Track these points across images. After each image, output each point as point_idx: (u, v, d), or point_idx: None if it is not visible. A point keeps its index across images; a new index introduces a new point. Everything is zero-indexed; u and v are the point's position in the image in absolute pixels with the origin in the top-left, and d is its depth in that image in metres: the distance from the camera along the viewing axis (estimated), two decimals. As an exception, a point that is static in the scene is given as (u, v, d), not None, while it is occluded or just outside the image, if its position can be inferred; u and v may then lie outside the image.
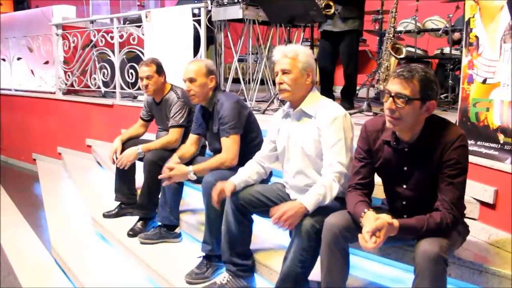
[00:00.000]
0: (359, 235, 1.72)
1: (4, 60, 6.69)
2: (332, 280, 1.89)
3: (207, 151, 3.29)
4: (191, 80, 2.70)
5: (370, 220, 1.71)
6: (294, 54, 2.18)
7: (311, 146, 2.17)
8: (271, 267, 2.35)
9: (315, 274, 2.02)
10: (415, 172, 1.85)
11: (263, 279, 2.41)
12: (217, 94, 2.75)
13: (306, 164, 2.21)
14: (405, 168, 1.87)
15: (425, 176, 1.82)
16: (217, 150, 2.76)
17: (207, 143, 3.00)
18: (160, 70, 3.25)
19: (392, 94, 1.73)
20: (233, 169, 2.52)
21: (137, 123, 3.55)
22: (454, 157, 1.73)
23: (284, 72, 2.18)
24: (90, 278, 2.81)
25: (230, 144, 2.60)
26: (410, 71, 1.72)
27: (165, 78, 3.30)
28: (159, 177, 2.69)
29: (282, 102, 4.14)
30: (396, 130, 1.82)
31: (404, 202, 1.95)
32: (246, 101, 3.97)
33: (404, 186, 1.90)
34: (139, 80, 3.35)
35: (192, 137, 2.94)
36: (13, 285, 3.05)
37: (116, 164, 3.23)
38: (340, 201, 2.18)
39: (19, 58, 6.44)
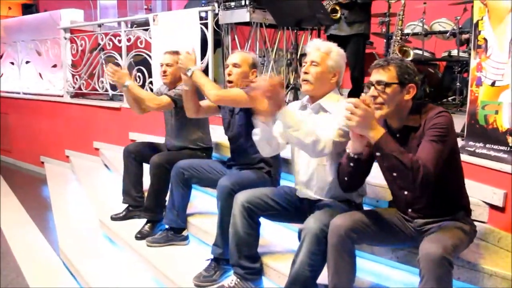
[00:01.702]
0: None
1: (12, 63, 6.74)
2: (339, 282, 1.89)
3: (215, 153, 3.31)
4: (235, 65, 2.72)
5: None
6: (327, 50, 2.22)
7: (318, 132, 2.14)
8: (279, 270, 2.34)
9: (323, 277, 2.01)
10: None
11: (271, 282, 2.40)
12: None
13: (311, 153, 2.14)
14: None
15: None
16: (234, 138, 2.80)
17: (224, 129, 2.97)
18: None
19: (373, 83, 1.88)
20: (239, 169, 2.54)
21: None
22: (434, 123, 1.81)
23: (313, 63, 2.20)
24: (98, 280, 2.82)
25: (235, 91, 2.63)
26: (386, 60, 1.90)
27: None
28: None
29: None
30: (384, 116, 1.90)
31: (405, 192, 1.96)
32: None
33: None
34: (161, 67, 3.33)
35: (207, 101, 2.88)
36: (21, 286, 3.07)
37: (106, 69, 3.20)
38: (347, 204, 2.19)
39: (27, 62, 6.48)
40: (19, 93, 6.64)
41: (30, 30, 6.37)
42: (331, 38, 4.12)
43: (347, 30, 3.98)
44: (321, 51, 2.21)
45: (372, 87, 1.88)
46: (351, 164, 1.94)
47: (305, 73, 2.21)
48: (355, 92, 4.29)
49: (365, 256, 2.28)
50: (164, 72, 3.27)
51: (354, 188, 2.14)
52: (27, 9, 8.67)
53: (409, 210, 1.98)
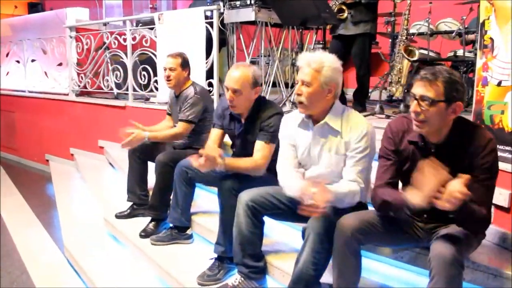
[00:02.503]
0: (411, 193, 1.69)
1: (18, 62, 6.77)
2: (344, 282, 1.89)
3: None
4: (235, 92, 2.52)
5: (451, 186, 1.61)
6: (318, 66, 2.08)
7: (336, 165, 2.14)
8: (283, 269, 2.34)
9: (327, 276, 2.01)
10: None
11: (275, 281, 2.41)
12: (261, 104, 2.63)
13: (326, 179, 2.12)
14: None
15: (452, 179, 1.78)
16: (241, 155, 2.64)
17: (232, 145, 2.92)
18: (185, 65, 3.29)
19: (417, 97, 1.75)
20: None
21: (165, 119, 3.59)
22: (487, 161, 1.74)
23: (304, 83, 2.10)
24: (102, 278, 2.83)
25: (267, 152, 2.51)
26: (434, 74, 1.73)
27: (188, 73, 3.35)
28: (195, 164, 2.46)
29: (294, 104, 4.14)
30: (423, 132, 1.82)
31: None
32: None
33: None
34: (165, 71, 3.33)
35: (215, 132, 2.80)
36: (26, 284, 3.08)
37: (122, 144, 3.20)
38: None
39: (33, 60, 6.50)
40: (24, 91, 6.67)
41: (36, 28, 6.39)
42: (337, 38, 4.12)
43: (353, 30, 3.99)
44: (311, 68, 2.08)
45: (415, 102, 1.75)
46: (405, 212, 1.87)
47: (298, 94, 2.12)
48: (360, 92, 4.29)
49: (370, 256, 2.27)
50: (168, 77, 3.28)
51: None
52: (33, 8, 8.72)
53: (425, 216, 1.95)
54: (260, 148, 2.52)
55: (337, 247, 1.86)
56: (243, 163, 2.52)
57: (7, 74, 7.05)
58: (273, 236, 2.69)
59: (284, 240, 2.68)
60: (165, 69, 3.30)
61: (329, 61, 2.11)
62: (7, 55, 7.00)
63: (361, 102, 4.25)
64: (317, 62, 2.09)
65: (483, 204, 1.73)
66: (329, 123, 2.14)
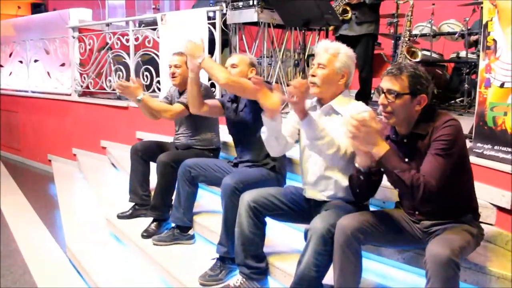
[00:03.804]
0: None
1: (21, 62, 6.80)
2: (345, 282, 1.88)
3: (222, 153, 3.32)
4: (233, 66, 2.79)
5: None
6: (335, 52, 2.20)
7: (338, 147, 2.11)
8: (285, 270, 2.34)
9: (329, 278, 2.01)
10: (414, 162, 1.87)
11: (277, 282, 2.40)
12: None
13: (330, 162, 2.16)
14: (406, 160, 1.89)
15: None
16: (239, 135, 2.88)
17: (228, 128, 3.00)
18: None
19: (384, 91, 1.85)
20: (250, 167, 2.60)
21: None
22: (442, 134, 1.79)
23: (320, 65, 2.19)
24: (104, 278, 2.83)
25: (244, 79, 2.62)
26: (399, 68, 1.85)
27: None
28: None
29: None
30: (391, 124, 1.91)
31: None
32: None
33: None
34: (170, 69, 3.35)
35: (213, 101, 3.00)
36: (28, 284, 3.09)
37: (115, 86, 3.18)
38: (354, 205, 2.18)
39: (36, 60, 6.53)
40: (27, 91, 6.69)
41: (39, 29, 6.42)
42: (340, 38, 4.12)
43: (357, 30, 3.99)
44: (328, 53, 2.19)
45: (383, 95, 1.86)
46: (361, 177, 1.95)
47: (313, 75, 2.20)
48: (363, 93, 4.28)
49: (371, 256, 2.27)
50: (173, 74, 3.28)
51: (367, 197, 2.16)
52: (36, 8, 8.75)
53: (416, 212, 1.97)
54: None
55: (338, 247, 1.86)
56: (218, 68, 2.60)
57: (10, 74, 7.08)
58: (275, 237, 2.68)
59: (286, 241, 2.67)
60: (170, 67, 3.31)
61: (345, 49, 2.24)
62: (10, 55, 7.03)
63: (363, 103, 4.24)
64: (334, 49, 2.21)
65: (430, 175, 1.74)
66: (333, 106, 2.22)
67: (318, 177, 2.24)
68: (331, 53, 2.19)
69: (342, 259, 1.86)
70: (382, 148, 1.77)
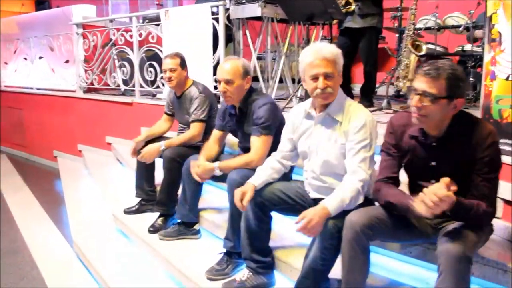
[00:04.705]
0: (416, 202, 1.68)
1: (25, 59, 6.81)
2: (352, 277, 1.88)
3: (227, 148, 3.32)
4: (227, 82, 2.59)
5: (430, 193, 1.63)
6: (332, 56, 2.08)
7: (335, 155, 2.13)
8: (291, 264, 2.35)
9: (335, 272, 2.01)
10: (443, 167, 1.83)
11: (283, 276, 2.41)
12: (252, 95, 2.68)
13: (326, 170, 2.17)
14: (433, 163, 1.87)
15: (454, 171, 1.77)
16: (247, 149, 2.68)
17: (238, 141, 2.96)
18: (183, 64, 3.29)
19: (419, 92, 1.74)
20: None
21: (162, 119, 3.59)
22: (488, 154, 1.74)
23: (327, 76, 2.07)
24: (111, 273, 2.85)
25: (260, 145, 2.55)
26: (437, 69, 1.72)
27: (187, 72, 3.33)
28: (192, 171, 2.66)
29: (301, 100, 4.14)
30: (423, 126, 1.84)
31: None
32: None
33: (433, 182, 1.83)
34: (163, 73, 3.36)
35: (216, 134, 2.90)
36: (36, 280, 3.12)
37: (138, 158, 3.27)
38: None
39: (40, 57, 6.54)
40: (32, 88, 6.71)
41: (43, 26, 6.42)
42: (345, 31, 4.11)
43: (360, 23, 3.98)
44: (329, 60, 2.06)
45: (417, 97, 1.75)
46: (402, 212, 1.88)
47: (324, 88, 2.06)
48: (367, 87, 4.28)
49: (378, 251, 2.27)
50: (170, 78, 3.26)
51: None
52: (40, 5, 8.75)
53: None
54: (253, 143, 2.58)
55: (346, 242, 1.86)
56: (236, 162, 2.59)
57: (15, 71, 7.10)
58: (281, 231, 2.69)
59: (292, 235, 2.67)
60: (165, 71, 3.28)
61: (336, 49, 2.11)
62: (14, 52, 7.05)
63: (368, 97, 4.24)
64: (330, 53, 2.08)
65: (484, 198, 1.73)
66: (330, 113, 2.15)
67: (317, 181, 2.23)
68: (331, 60, 2.08)
69: (351, 256, 1.85)
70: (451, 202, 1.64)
